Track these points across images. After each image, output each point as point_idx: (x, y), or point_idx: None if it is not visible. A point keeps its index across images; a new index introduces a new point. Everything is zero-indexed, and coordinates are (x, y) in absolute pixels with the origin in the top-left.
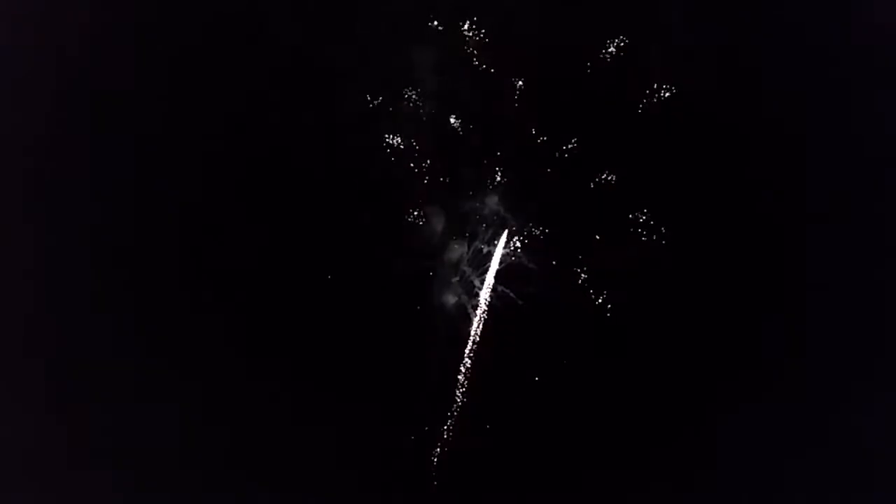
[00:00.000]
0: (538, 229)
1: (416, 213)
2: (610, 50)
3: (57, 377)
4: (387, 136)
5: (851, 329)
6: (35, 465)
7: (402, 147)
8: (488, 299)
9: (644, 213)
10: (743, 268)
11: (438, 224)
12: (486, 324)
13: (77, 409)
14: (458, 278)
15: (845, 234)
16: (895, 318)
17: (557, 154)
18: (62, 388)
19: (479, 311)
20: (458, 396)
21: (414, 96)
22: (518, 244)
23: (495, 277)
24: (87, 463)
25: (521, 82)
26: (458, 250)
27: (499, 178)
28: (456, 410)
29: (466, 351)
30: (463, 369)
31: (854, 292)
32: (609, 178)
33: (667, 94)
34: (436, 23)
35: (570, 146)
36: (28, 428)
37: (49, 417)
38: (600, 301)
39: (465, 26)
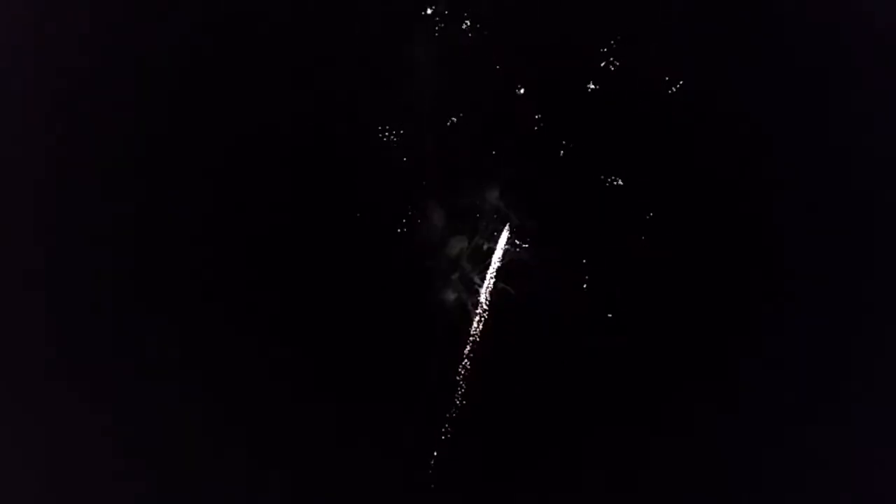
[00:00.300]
0: (540, 226)
1: (415, 209)
2: (613, 46)
3: (57, 377)
4: (386, 132)
5: (854, 329)
6: (36, 465)
7: (401, 143)
8: (488, 296)
9: (647, 211)
10: (747, 268)
11: (438, 220)
12: (486, 321)
13: (77, 409)
14: (457, 275)
15: (852, 236)
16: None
17: (560, 150)
18: (62, 388)
19: (479, 309)
20: (458, 395)
21: (414, 92)
22: (519, 241)
23: (495, 274)
24: (87, 462)
25: (523, 77)
26: (457, 247)
27: (500, 174)
28: (455, 410)
29: (466, 349)
30: (462, 368)
31: (859, 294)
32: (613, 177)
33: (672, 90)
34: (437, 18)
35: (572, 143)
36: (28, 428)
37: (50, 417)
38: (601, 299)
39: (467, 21)
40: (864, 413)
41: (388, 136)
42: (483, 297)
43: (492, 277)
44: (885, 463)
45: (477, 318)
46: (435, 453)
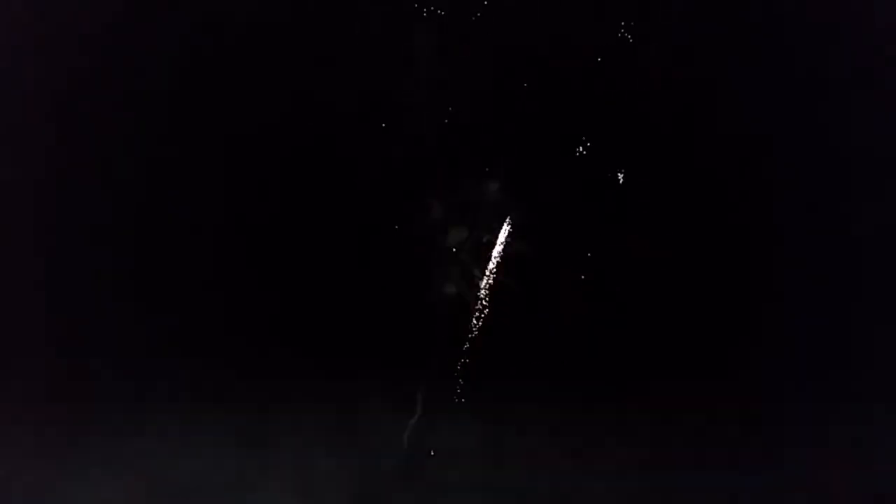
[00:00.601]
0: (541, 219)
1: (414, 200)
2: (614, 43)
3: (57, 377)
4: (385, 123)
5: (854, 329)
6: (36, 465)
7: (401, 134)
8: (488, 290)
9: (648, 210)
10: (749, 268)
11: (437, 212)
12: (486, 315)
13: (77, 407)
14: (457, 268)
15: (860, 238)
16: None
17: (562, 144)
18: (62, 388)
19: (478, 303)
20: (457, 389)
21: (413, 82)
22: (520, 234)
23: (496, 268)
24: (87, 463)
25: (526, 69)
26: (457, 240)
27: (501, 167)
28: (454, 404)
29: (466, 343)
30: (461, 364)
31: (859, 294)
32: (616, 171)
33: (673, 88)
34: (440, 11)
35: (576, 135)
36: (28, 427)
37: (50, 417)
38: (604, 294)
39: (468, 11)
40: (863, 413)
41: (388, 127)
42: (483, 291)
43: (492, 271)
44: (885, 463)
45: (477, 311)
46: (432, 452)
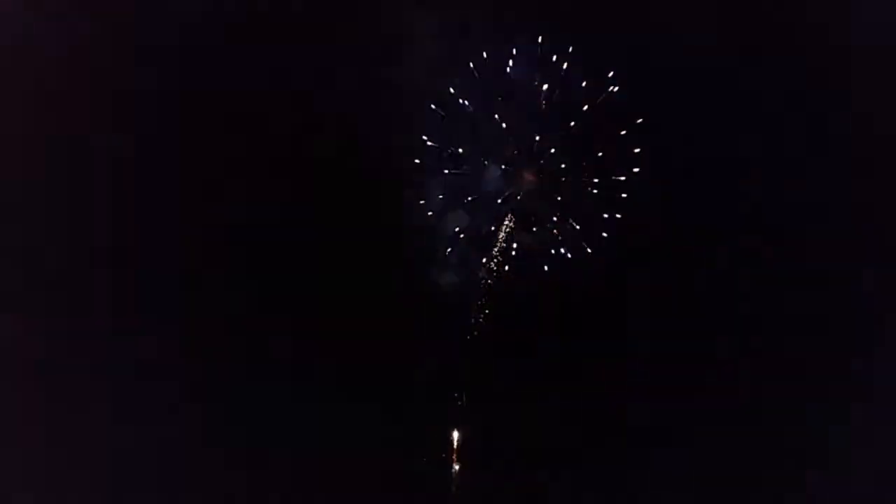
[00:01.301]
0: (541, 209)
1: (414, 190)
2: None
3: (57, 376)
4: (385, 108)
5: (854, 330)
6: (36, 465)
7: (401, 120)
8: (488, 279)
9: (648, 205)
10: (746, 266)
11: (437, 202)
12: (486, 303)
13: (78, 409)
14: (457, 258)
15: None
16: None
17: (561, 132)
18: (63, 387)
19: (478, 291)
20: (459, 378)
21: (415, 67)
22: (519, 224)
23: (495, 257)
24: (88, 462)
25: (525, 54)
26: (457, 229)
27: (501, 155)
28: (456, 393)
29: (466, 332)
30: (461, 353)
31: (858, 294)
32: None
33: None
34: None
35: (575, 122)
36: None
37: (50, 417)
38: (603, 284)
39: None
40: (864, 413)
41: (389, 114)
42: (482, 281)
43: (492, 261)
44: (884, 462)
45: (477, 299)
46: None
